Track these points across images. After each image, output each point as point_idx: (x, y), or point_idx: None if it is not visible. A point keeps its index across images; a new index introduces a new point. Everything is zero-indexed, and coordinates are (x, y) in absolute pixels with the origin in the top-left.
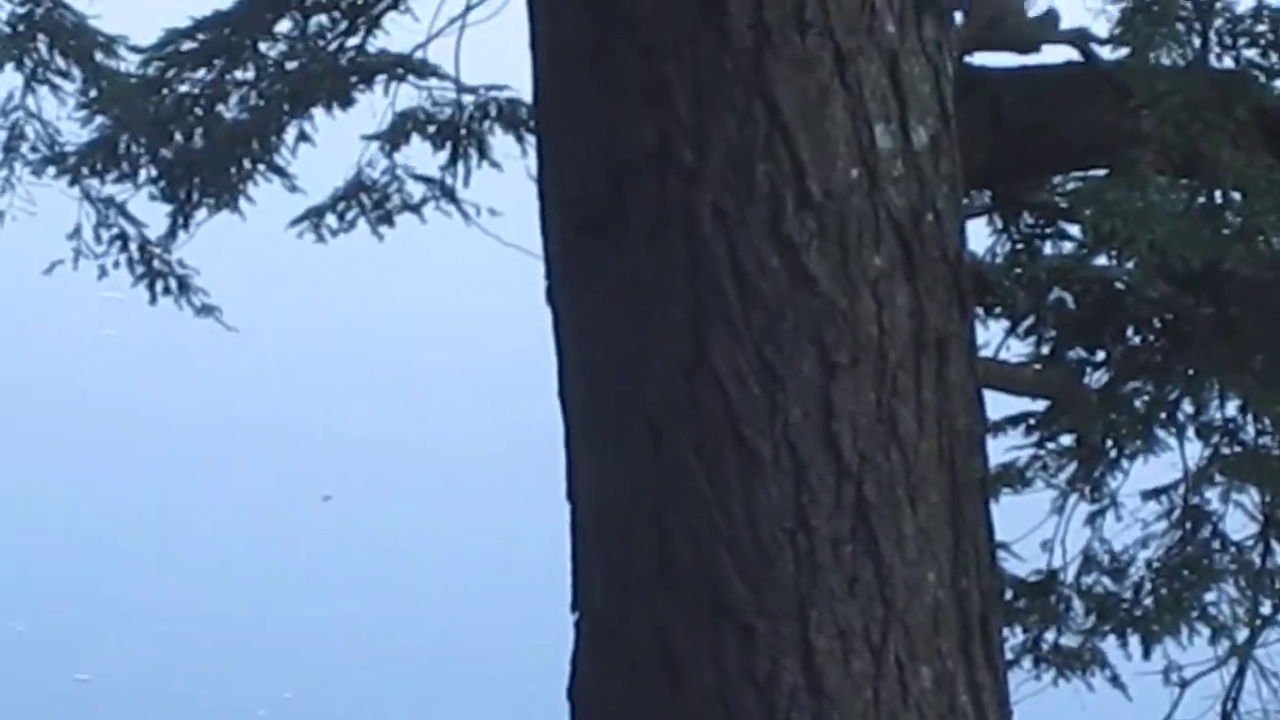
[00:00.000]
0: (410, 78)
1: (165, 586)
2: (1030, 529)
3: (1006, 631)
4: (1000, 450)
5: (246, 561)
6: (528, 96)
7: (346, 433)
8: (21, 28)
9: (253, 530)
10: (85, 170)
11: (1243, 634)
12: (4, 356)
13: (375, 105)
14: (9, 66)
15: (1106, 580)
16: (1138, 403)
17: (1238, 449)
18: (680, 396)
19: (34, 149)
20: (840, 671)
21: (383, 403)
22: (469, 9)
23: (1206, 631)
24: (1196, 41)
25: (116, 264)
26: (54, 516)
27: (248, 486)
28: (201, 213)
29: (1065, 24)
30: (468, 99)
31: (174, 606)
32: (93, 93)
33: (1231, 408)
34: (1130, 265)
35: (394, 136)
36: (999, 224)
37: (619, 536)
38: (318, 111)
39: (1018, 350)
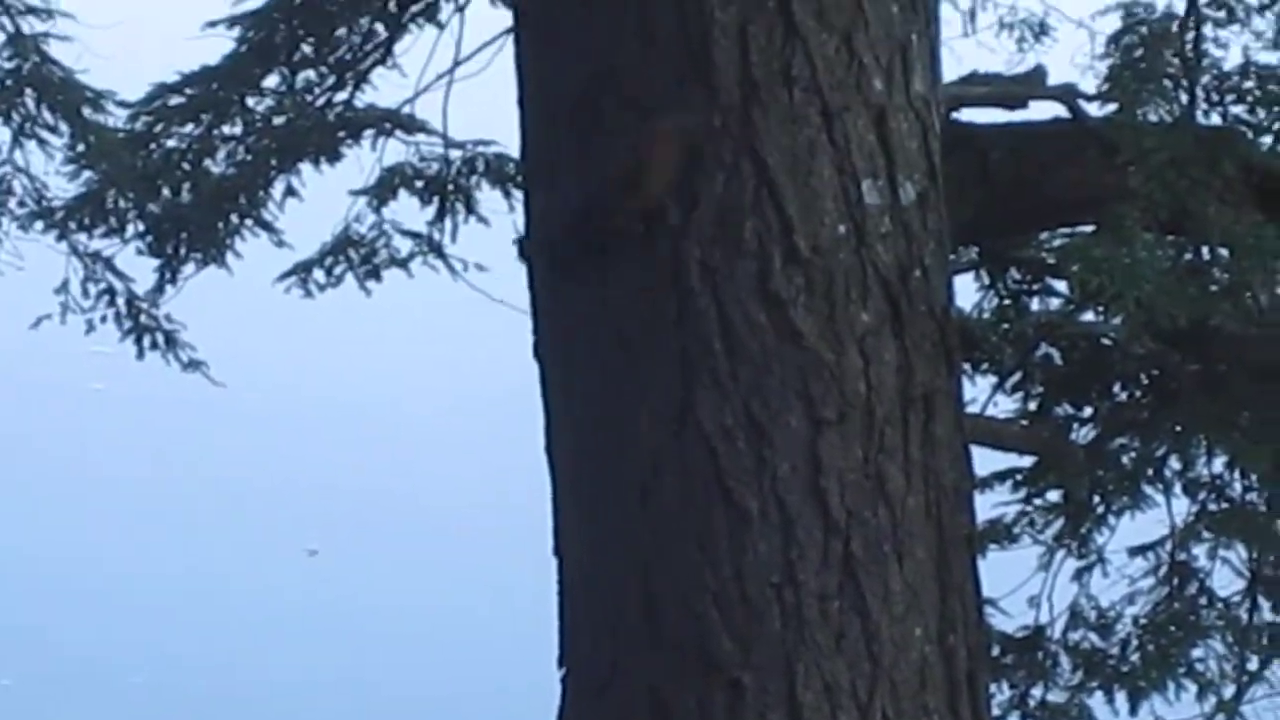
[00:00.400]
0: (398, 133)
1: (149, 639)
2: (1017, 585)
3: (994, 687)
4: (987, 506)
5: (232, 615)
6: (515, 152)
7: (332, 487)
8: (9, 82)
9: (238, 584)
10: (73, 225)
11: (1230, 690)
12: None
13: (363, 160)
14: None
15: (1093, 636)
16: (1125, 459)
17: (1225, 505)
18: (668, 452)
19: (21, 203)
20: None
21: (369, 456)
22: (456, 65)
23: (1194, 688)
24: (1184, 98)
25: (104, 318)
26: (38, 569)
27: (233, 540)
28: (189, 267)
29: (1053, 80)
30: (455, 154)
31: (158, 660)
32: (80, 147)
33: (1218, 464)
34: (1117, 321)
35: (381, 191)
36: (986, 279)
37: (606, 592)
38: (305, 166)
39: (1005, 406)
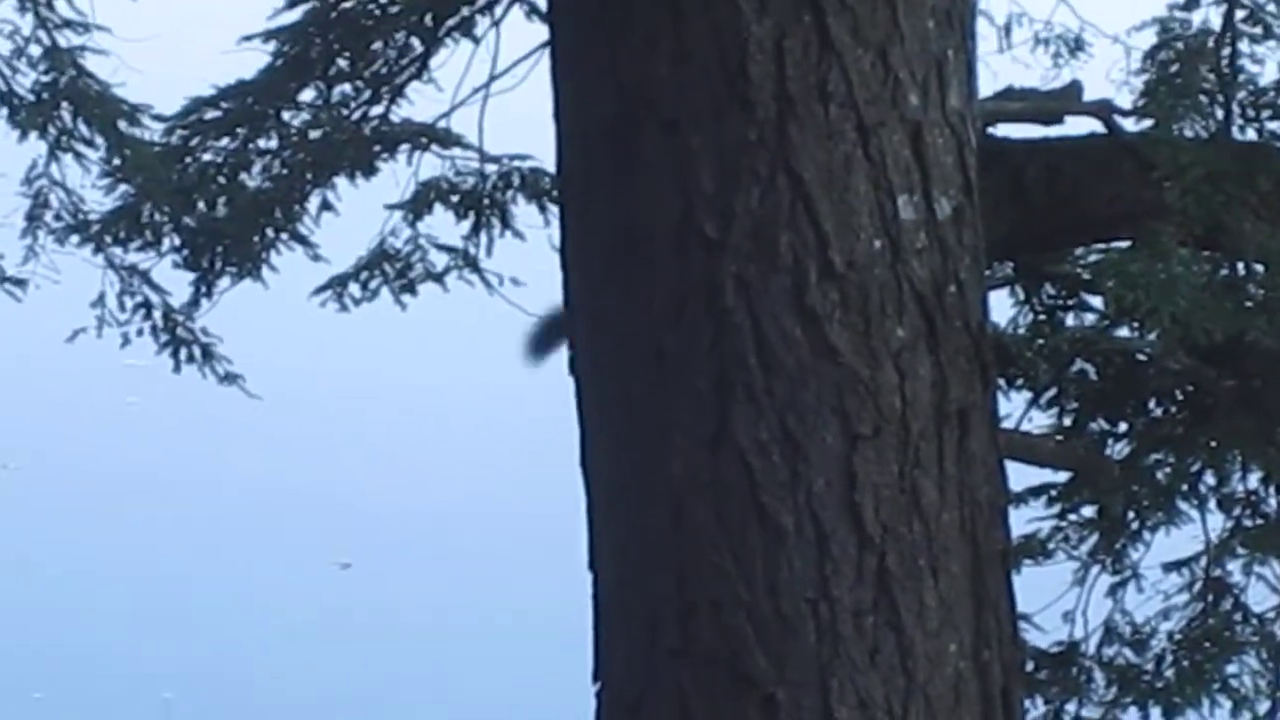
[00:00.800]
0: (434, 147)
1: (180, 653)
2: (1052, 600)
3: (1028, 703)
4: (1022, 521)
5: (263, 627)
6: (551, 166)
7: (366, 501)
8: (46, 96)
9: (270, 597)
10: (109, 238)
11: (1264, 706)
12: (27, 424)
13: (399, 174)
14: (33, 135)
15: (1128, 652)
16: (1160, 474)
17: (1260, 521)
18: (702, 468)
19: (58, 217)
20: None
21: (403, 471)
22: (493, 79)
23: (1228, 704)
24: (1219, 113)
25: (140, 332)
26: (69, 583)
27: (265, 553)
28: (224, 281)
29: (1088, 95)
30: (491, 168)
31: (190, 674)
32: (116, 161)
33: (1254, 480)
34: (1152, 337)
35: (417, 206)
36: (1021, 295)
37: (641, 608)
38: (341, 180)
39: (1040, 422)
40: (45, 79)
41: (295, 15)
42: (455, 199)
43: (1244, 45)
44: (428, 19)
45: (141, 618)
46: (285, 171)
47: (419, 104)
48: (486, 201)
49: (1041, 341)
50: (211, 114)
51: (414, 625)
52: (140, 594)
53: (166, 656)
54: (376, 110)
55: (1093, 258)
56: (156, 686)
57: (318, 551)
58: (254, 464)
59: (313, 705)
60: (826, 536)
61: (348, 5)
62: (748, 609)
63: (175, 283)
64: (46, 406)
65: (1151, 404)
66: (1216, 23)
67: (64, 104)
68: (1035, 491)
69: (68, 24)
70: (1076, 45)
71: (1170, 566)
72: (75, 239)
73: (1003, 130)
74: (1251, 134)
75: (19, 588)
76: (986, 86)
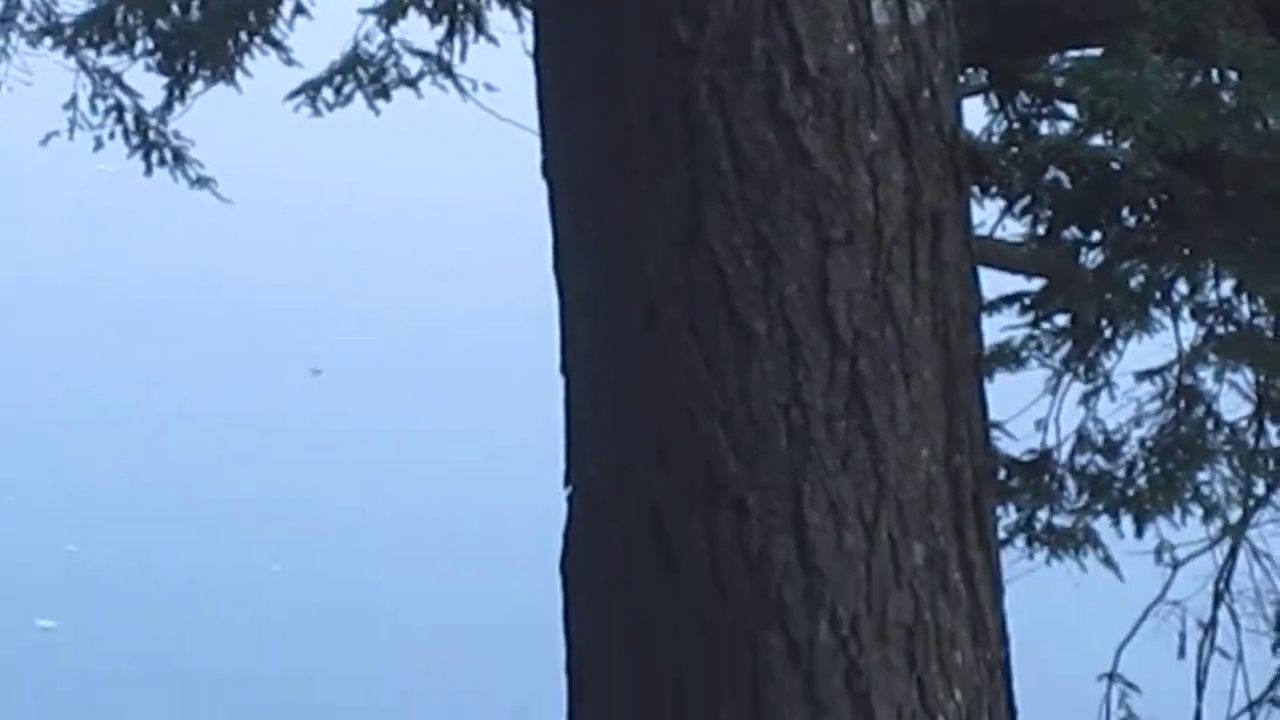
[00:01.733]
0: None
1: (153, 461)
2: (1024, 408)
3: (999, 510)
4: (995, 330)
5: (235, 436)
6: None
7: (339, 307)
8: None
9: (242, 404)
10: (82, 41)
11: (1236, 514)
12: None
13: None
14: None
15: (1100, 459)
16: (1133, 282)
17: (1232, 329)
18: (676, 272)
19: (30, 19)
20: (832, 547)
21: (376, 278)
22: None
23: (1199, 512)
24: None
25: (112, 135)
26: (44, 390)
27: (238, 360)
28: (198, 85)
29: None
30: None
31: (162, 481)
32: None
33: (1226, 288)
34: (1126, 145)
35: (391, 10)
36: (995, 103)
37: (613, 412)
38: None
39: (1013, 230)
40: None
41: None
42: (429, 4)
43: None
44: None
45: (109, 423)
46: None
47: None
48: (461, 6)
49: (1015, 149)
50: None
51: (386, 433)
52: (108, 399)
53: (136, 461)
54: None
55: (1067, 65)
56: (135, 499)
57: (290, 357)
58: (224, 269)
59: (289, 507)
60: (799, 341)
61: None
62: (720, 414)
63: (148, 86)
64: (17, 210)
65: (1125, 212)
66: None
67: None
68: (1008, 299)
69: None
70: None
71: (1142, 375)
72: (48, 41)
73: None
74: None
75: None
76: None
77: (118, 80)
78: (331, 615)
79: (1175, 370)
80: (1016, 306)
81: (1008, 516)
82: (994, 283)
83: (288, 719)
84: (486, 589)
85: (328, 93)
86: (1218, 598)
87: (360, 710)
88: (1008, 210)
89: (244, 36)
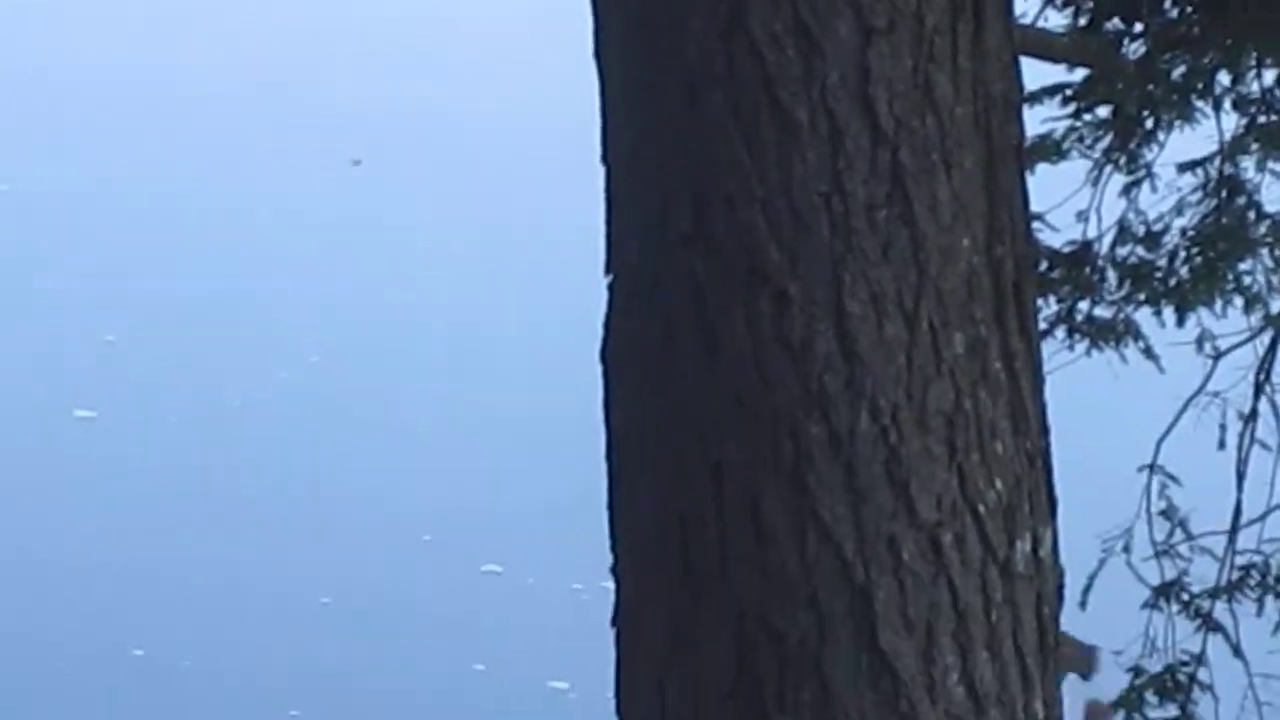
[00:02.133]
0: None
1: (189, 257)
2: (1065, 199)
3: (1040, 301)
4: (1036, 121)
5: (272, 232)
6: None
7: (379, 99)
8: None
9: (281, 196)
10: None
11: (1277, 305)
12: (23, 29)
13: None
14: None
15: (1141, 250)
16: (1175, 74)
17: (1274, 118)
18: (717, 59)
19: None
20: (873, 336)
21: (414, 73)
22: None
23: (1240, 302)
24: None
25: None
26: (77, 191)
27: (278, 151)
28: None
29: None
30: None
31: (196, 276)
32: None
33: (1269, 78)
34: None
35: None
36: None
37: (654, 197)
38: None
39: (1056, 21)
40: None
41: None
42: None
43: None
44: None
45: (144, 221)
46: None
47: None
48: None
49: None
50: None
51: (421, 227)
52: (144, 195)
53: (171, 257)
54: None
55: None
56: (172, 291)
57: (330, 151)
58: (264, 61)
59: (318, 307)
60: (840, 131)
61: None
62: (761, 202)
63: None
64: (48, 7)
65: (1167, 3)
66: None
67: None
68: (1050, 90)
69: None
70: None
71: (1184, 166)
72: None
73: None
74: None
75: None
76: None
77: None
78: (366, 400)
79: (1217, 161)
80: (1058, 98)
81: (1048, 308)
82: (1036, 73)
83: (318, 507)
84: (527, 389)
85: None
86: (1258, 389)
87: (387, 500)
88: (1049, 1)
89: None
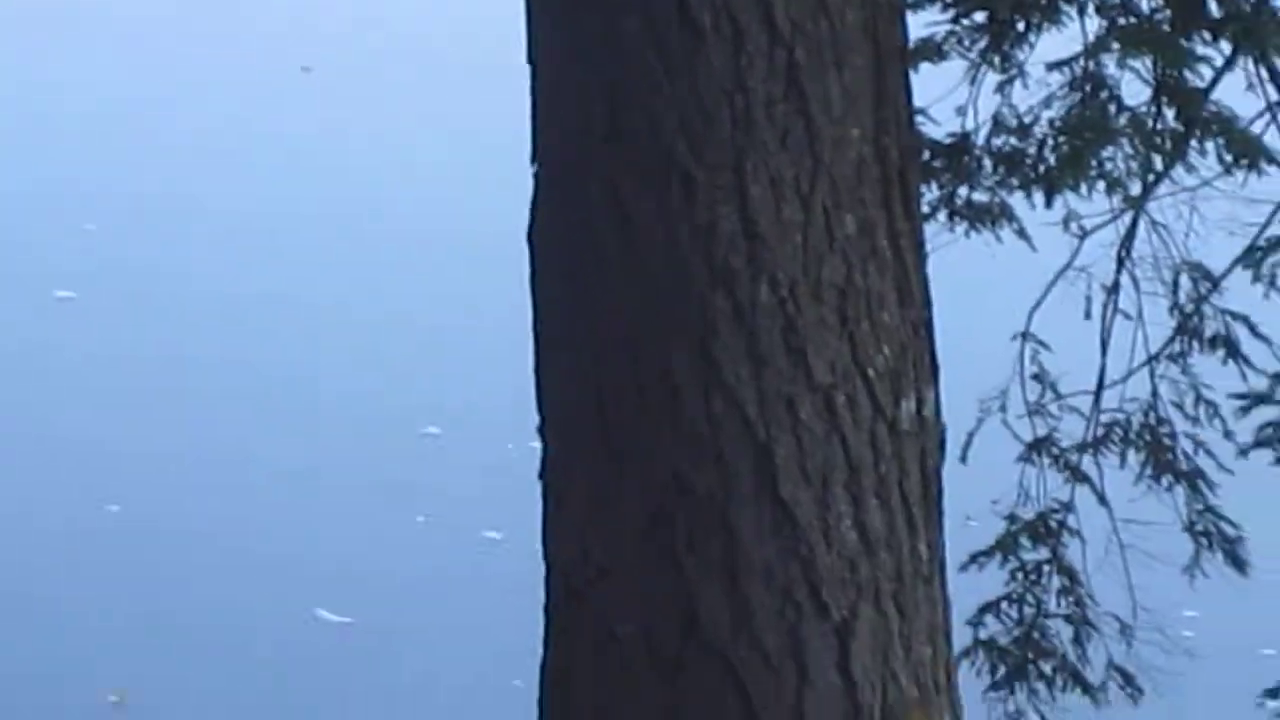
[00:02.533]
0: None
1: (149, 168)
2: (945, 95)
3: (923, 187)
4: (920, 25)
5: (226, 140)
6: None
7: (328, 8)
8: None
9: (232, 106)
10: None
11: (1136, 188)
12: None
13: None
14: None
15: (1014, 140)
16: None
17: (1133, 21)
18: None
19: None
20: (773, 217)
21: None
22: None
23: (1103, 186)
24: None
25: None
26: (43, 103)
27: (229, 60)
28: None
29: None
30: None
31: (172, 179)
32: None
33: None
34: None
35: None
36: None
37: (575, 100)
38: None
39: None
40: None
41: None
42: None
43: None
44: None
45: (108, 134)
46: None
47: None
48: None
49: None
50: None
51: (374, 131)
52: (105, 108)
53: (136, 171)
54: None
55: None
56: (148, 189)
57: (279, 54)
58: None
59: (277, 215)
60: (742, 33)
61: None
62: (671, 100)
63: None
64: None
65: None
66: None
67: None
68: None
69: None
70: None
71: (1052, 65)
72: None
73: None
74: None
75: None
76: None
77: None
78: (301, 289)
79: (1081, 60)
80: (939, 4)
81: (931, 193)
82: None
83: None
84: (478, 283)
85: None
86: (1120, 263)
87: (340, 382)
88: None
89: None
